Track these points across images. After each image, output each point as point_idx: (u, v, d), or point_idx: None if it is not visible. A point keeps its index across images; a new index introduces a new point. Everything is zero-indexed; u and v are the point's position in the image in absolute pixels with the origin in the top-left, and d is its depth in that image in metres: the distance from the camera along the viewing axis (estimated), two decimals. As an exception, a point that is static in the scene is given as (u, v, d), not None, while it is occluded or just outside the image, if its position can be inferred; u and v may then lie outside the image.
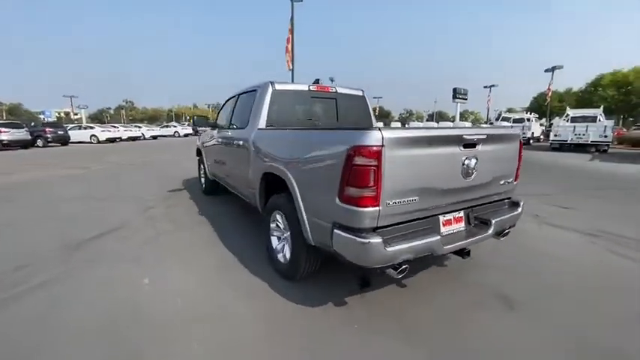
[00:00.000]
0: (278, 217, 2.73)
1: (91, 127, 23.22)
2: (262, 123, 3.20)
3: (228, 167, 4.02)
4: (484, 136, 2.15)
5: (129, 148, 17.90)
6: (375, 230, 1.84)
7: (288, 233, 2.63)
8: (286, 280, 2.61)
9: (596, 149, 14.85)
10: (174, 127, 33.36)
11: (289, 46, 13.48)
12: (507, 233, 2.51)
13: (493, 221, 2.27)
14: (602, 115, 16.30)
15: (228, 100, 4.60)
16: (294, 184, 2.28)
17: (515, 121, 24.35)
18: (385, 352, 1.83)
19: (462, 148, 2.07)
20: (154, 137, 27.90)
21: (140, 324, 2.07)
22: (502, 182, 2.48)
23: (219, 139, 4.29)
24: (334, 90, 3.68)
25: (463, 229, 2.27)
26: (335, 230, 1.90)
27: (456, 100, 13.56)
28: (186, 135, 31.88)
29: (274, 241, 2.85)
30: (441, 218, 2.16)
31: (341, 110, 3.76)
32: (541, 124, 22.82)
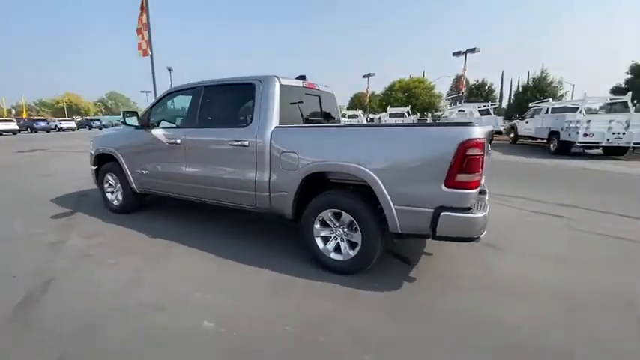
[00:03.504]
0: (330, 214, 2.71)
1: None
2: (275, 121, 2.96)
3: (203, 172, 3.37)
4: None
5: None
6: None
7: (345, 229, 2.68)
8: (349, 274, 2.67)
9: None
10: None
11: (143, 25, 11.07)
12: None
13: (486, 190, 3.15)
14: (409, 111, 22.40)
15: (170, 93, 3.77)
16: (377, 179, 2.39)
17: (350, 117, 29.68)
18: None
19: None
20: None
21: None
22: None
23: (179, 141, 3.47)
24: (318, 87, 3.75)
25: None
26: (442, 213, 2.22)
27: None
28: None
29: (319, 242, 2.80)
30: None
31: (323, 106, 3.87)
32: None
